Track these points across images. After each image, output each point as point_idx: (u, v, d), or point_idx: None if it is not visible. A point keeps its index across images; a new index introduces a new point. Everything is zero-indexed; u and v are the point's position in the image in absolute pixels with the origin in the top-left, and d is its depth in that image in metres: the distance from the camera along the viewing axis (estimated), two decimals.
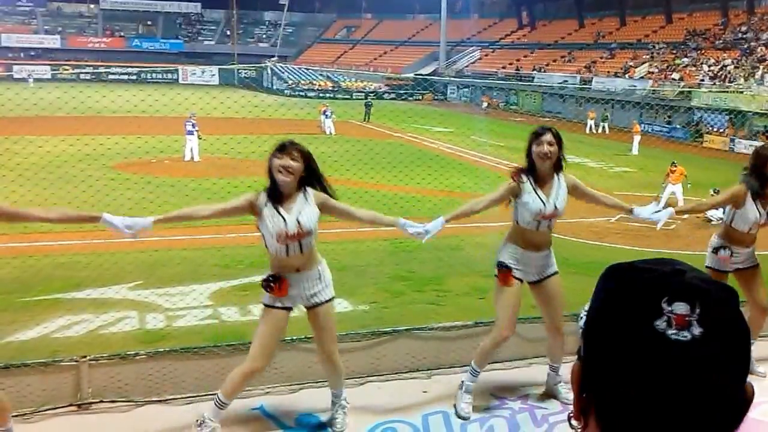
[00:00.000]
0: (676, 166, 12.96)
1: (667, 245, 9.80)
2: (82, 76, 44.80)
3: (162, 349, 3.68)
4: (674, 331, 0.64)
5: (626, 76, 34.14)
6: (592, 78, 35.25)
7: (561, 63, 40.60)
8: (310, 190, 3.19)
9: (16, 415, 3.18)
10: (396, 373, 3.88)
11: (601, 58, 38.37)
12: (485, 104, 38.91)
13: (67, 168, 14.01)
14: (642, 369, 0.64)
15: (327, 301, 3.26)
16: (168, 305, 6.55)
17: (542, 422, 3.54)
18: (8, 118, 18.27)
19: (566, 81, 36.20)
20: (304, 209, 3.14)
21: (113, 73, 45.96)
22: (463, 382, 3.67)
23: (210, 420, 3.12)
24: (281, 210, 3.10)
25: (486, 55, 48.15)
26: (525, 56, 44.22)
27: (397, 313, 6.46)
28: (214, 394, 3.43)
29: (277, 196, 3.11)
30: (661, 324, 0.64)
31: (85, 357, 3.36)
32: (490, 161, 18.12)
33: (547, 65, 40.97)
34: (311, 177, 3.19)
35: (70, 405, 3.31)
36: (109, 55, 53.22)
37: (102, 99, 18.30)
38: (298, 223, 3.10)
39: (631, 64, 35.17)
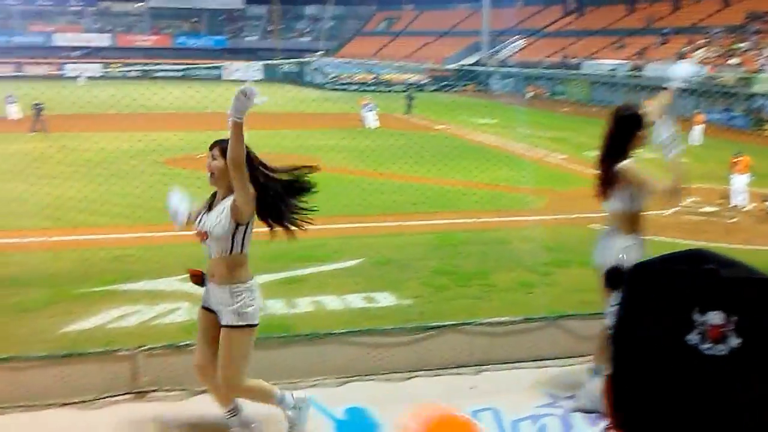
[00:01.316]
0: (740, 156, 12.29)
1: (727, 239, 9.40)
2: (131, 74, 46.32)
3: None
4: (708, 346, 0.58)
5: (681, 62, 32.81)
6: (644, 65, 34.04)
7: (610, 50, 39.41)
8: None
9: (78, 402, 3.32)
10: (443, 369, 3.85)
11: (654, 44, 37.02)
12: (531, 94, 38.20)
13: (120, 164, 14.49)
14: (675, 389, 0.58)
15: (226, 326, 3.03)
16: None
17: (598, 421, 3.45)
18: (64, 116, 19.06)
19: (616, 69, 35.09)
20: (218, 209, 3.02)
21: (160, 71, 47.27)
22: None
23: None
24: (210, 208, 3.07)
25: (531, 44, 47.22)
26: (572, 44, 43.13)
27: (442, 308, 6.40)
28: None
29: (214, 199, 3.09)
30: (693, 338, 0.59)
31: (140, 347, 3.49)
32: (536, 153, 17.78)
33: (595, 52, 39.86)
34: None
35: (128, 393, 3.44)
36: (157, 52, 54.70)
37: (153, 96, 18.87)
38: (205, 221, 3.02)
39: (686, 49, 33.77)
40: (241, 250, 3.04)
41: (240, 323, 3.00)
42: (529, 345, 4.04)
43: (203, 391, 3.48)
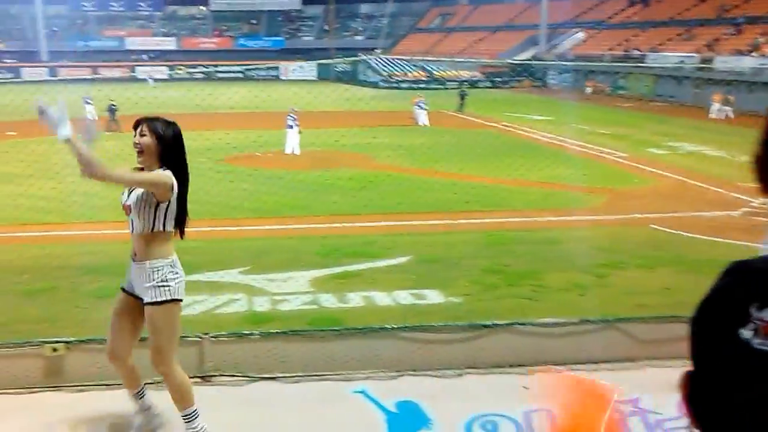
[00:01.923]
0: None
1: None
2: (195, 76, 48.06)
3: (272, 331, 3.98)
4: (760, 341, 0.58)
5: (755, 53, 31.04)
6: (714, 57, 32.41)
7: (677, 41, 37.69)
8: (167, 171, 2.99)
9: (151, 383, 3.59)
10: (495, 367, 3.88)
11: (725, 34, 35.18)
12: (590, 89, 37.15)
13: None
14: (725, 381, 0.59)
15: (150, 303, 2.99)
16: (273, 290, 6.96)
17: (655, 428, 3.40)
18: (136, 116, 19.91)
19: (683, 61, 33.57)
20: None
21: (222, 72, 48.82)
22: None
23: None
24: None
25: (591, 37, 45.82)
26: (636, 36, 41.54)
27: (491, 307, 6.36)
28: (320, 376, 3.68)
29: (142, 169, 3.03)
30: (746, 332, 0.59)
31: (207, 334, 3.72)
32: (593, 150, 17.35)
33: (661, 44, 38.26)
34: (169, 155, 2.98)
35: (195, 376, 3.67)
36: (219, 54, 56.44)
37: (208, 97, 19.54)
38: (128, 195, 3.01)
39: (762, 40, 31.91)
40: (164, 228, 3.02)
41: (161, 299, 2.98)
42: (585, 347, 3.99)
43: (262, 378, 3.69)
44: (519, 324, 4.06)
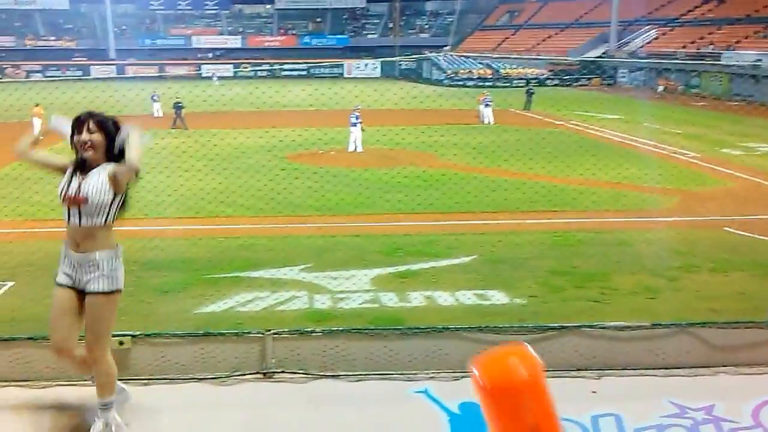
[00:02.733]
0: None
1: None
2: (259, 74, 49.36)
3: (335, 328, 3.97)
4: None
5: None
6: None
7: (755, 39, 35.53)
8: (113, 163, 2.98)
9: (212, 378, 3.65)
10: (562, 371, 3.74)
11: None
12: (661, 88, 35.59)
13: (245, 159, 15.52)
14: None
15: (97, 293, 3.00)
16: (334, 287, 6.99)
17: None
18: (201, 113, 20.68)
19: (761, 60, 31.61)
20: (94, 177, 2.96)
21: (286, 70, 49.89)
22: None
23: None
24: (76, 175, 2.99)
25: (664, 34, 43.82)
26: (710, 33, 39.43)
27: (557, 309, 6.21)
28: (382, 375, 3.63)
29: (82, 167, 3.00)
30: None
31: (269, 330, 3.74)
32: (665, 150, 16.56)
33: (737, 42, 36.15)
34: (116, 151, 2.97)
35: (257, 372, 3.71)
36: (283, 52, 57.61)
37: (275, 94, 19.92)
38: (79, 186, 2.95)
39: None
40: (114, 218, 3.07)
41: (111, 289, 3.03)
42: (657, 352, 3.83)
43: (324, 376, 3.67)
44: (587, 326, 3.91)
